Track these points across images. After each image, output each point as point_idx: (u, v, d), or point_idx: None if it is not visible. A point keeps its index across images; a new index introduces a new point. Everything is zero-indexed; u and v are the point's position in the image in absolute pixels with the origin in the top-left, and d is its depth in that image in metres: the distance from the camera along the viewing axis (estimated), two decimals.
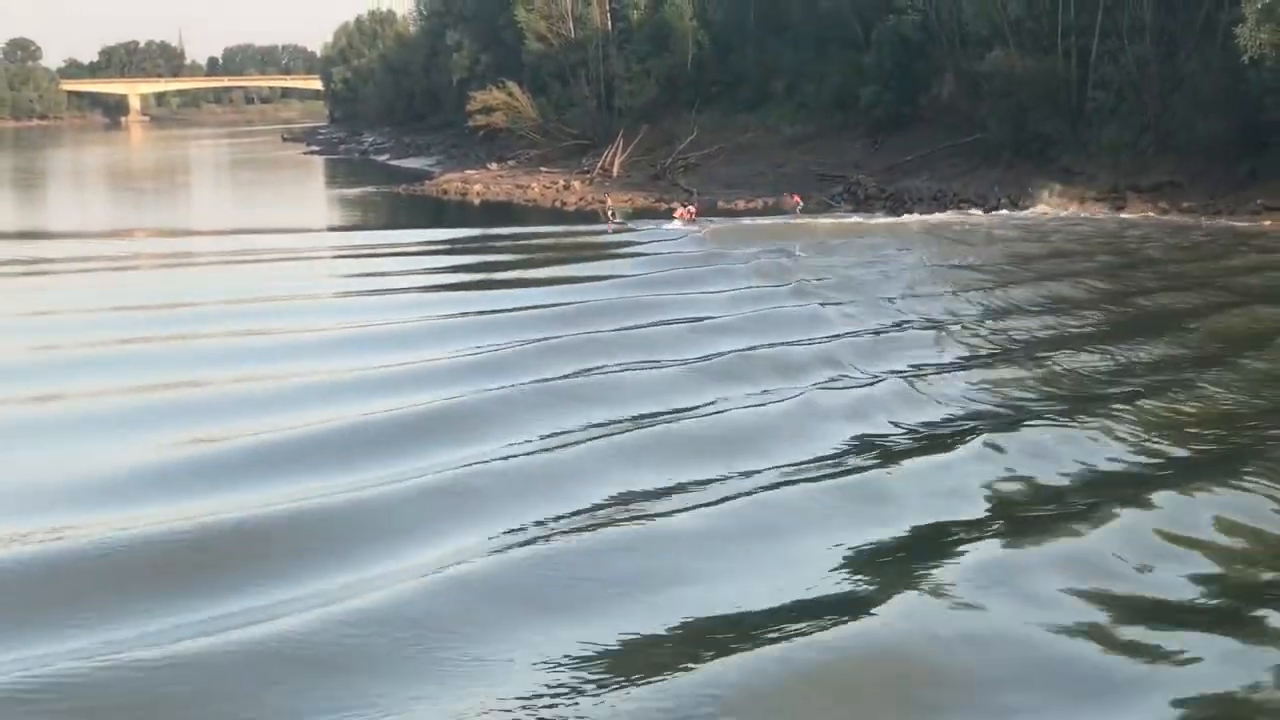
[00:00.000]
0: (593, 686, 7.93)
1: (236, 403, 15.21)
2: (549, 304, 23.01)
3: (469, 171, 62.91)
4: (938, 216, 39.39)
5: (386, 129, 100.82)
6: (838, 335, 19.62)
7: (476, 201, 54.02)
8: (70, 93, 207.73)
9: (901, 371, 16.93)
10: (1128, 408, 14.64)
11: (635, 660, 8.30)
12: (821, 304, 22.41)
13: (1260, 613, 9.19)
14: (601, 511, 11.29)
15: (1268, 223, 35.02)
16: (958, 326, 20.32)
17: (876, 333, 19.87)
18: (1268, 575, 10.11)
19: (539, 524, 10.86)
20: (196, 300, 24.36)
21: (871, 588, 9.64)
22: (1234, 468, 12.38)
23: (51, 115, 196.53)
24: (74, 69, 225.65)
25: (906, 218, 39.49)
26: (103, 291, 26.58)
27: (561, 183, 55.88)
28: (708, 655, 8.26)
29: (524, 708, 7.59)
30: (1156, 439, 13.62)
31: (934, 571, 9.71)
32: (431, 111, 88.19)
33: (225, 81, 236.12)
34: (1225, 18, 38.46)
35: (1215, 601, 9.57)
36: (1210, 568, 10.20)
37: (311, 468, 12.26)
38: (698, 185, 51.57)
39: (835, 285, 25.09)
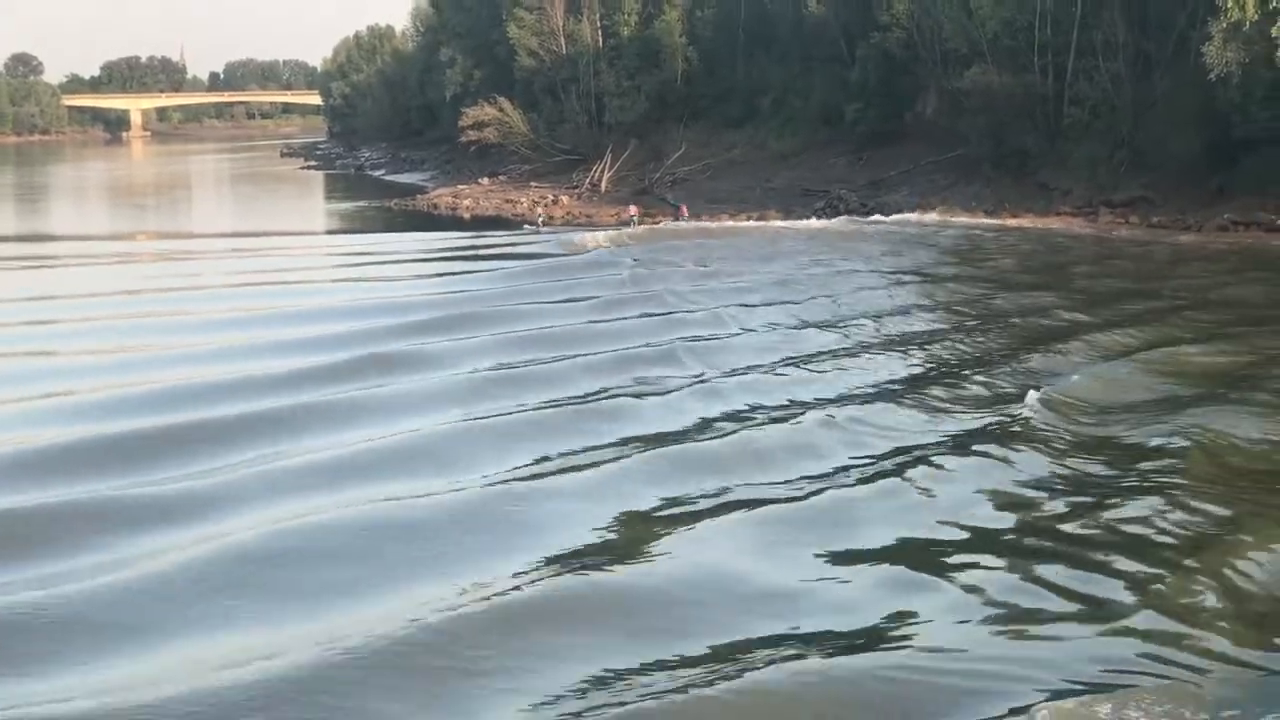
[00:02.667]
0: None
1: (178, 359, 20.86)
2: (440, 292, 29.00)
3: (461, 186, 63.83)
4: (819, 223, 44.24)
5: (383, 144, 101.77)
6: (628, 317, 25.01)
7: (467, 215, 54.87)
8: (71, 108, 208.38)
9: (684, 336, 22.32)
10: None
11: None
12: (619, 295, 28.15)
13: None
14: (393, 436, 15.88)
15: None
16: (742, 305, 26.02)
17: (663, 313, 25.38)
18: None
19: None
20: (170, 287, 30.62)
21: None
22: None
23: (53, 130, 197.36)
24: (75, 84, 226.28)
25: (779, 223, 44.68)
26: (97, 280, 32.56)
27: (550, 197, 56.71)
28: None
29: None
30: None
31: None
32: (427, 127, 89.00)
33: (226, 97, 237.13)
34: (1197, 36, 39.13)
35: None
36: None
37: (193, 405, 17.17)
38: (685, 199, 52.31)
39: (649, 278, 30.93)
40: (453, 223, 52.41)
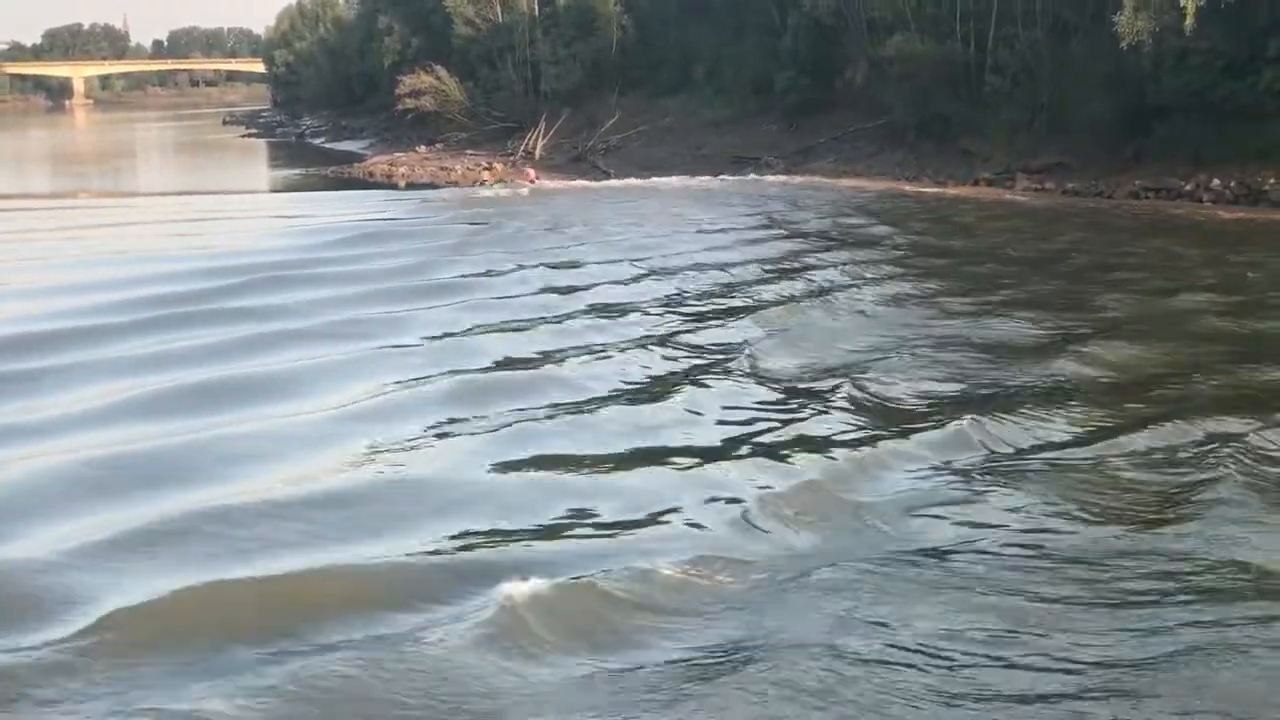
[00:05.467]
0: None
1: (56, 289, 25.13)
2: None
3: (398, 154, 63.80)
4: (696, 179, 47.84)
5: (325, 112, 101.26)
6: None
7: (402, 183, 54.96)
8: (13, 75, 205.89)
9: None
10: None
11: None
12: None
13: None
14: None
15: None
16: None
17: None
18: None
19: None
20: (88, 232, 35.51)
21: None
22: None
23: None
24: (16, 51, 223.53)
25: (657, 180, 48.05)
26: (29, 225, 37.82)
27: (484, 164, 57.06)
28: None
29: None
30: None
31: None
32: (368, 95, 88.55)
33: (170, 64, 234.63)
34: (1113, 3, 39.69)
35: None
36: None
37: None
38: (618, 166, 52.92)
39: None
40: (387, 191, 52.51)
